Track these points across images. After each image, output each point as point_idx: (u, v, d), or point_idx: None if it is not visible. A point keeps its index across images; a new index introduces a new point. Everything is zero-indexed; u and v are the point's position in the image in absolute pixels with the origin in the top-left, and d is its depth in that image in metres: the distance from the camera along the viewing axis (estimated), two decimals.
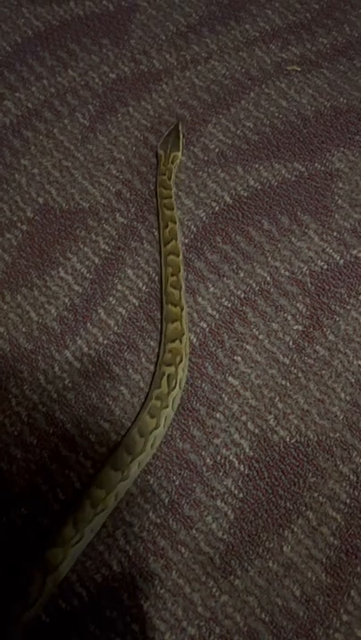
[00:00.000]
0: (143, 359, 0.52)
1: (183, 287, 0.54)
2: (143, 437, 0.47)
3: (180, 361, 0.50)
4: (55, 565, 0.43)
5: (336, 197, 0.59)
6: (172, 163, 0.59)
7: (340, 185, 0.60)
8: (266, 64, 0.67)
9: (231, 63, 0.67)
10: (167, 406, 0.48)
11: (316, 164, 0.61)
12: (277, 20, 0.70)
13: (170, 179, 0.59)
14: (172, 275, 0.54)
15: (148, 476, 0.47)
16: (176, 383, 0.49)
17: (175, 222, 0.56)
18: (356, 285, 0.55)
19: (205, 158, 0.62)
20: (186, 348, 0.51)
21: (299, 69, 0.67)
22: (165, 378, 0.49)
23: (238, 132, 0.63)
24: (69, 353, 0.52)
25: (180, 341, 0.50)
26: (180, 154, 0.60)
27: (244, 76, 0.66)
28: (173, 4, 0.71)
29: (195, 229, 0.58)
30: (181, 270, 0.54)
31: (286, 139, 0.62)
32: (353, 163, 0.61)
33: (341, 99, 0.65)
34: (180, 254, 0.55)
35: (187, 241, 0.57)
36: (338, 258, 0.56)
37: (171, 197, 0.58)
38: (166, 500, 0.47)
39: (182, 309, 0.52)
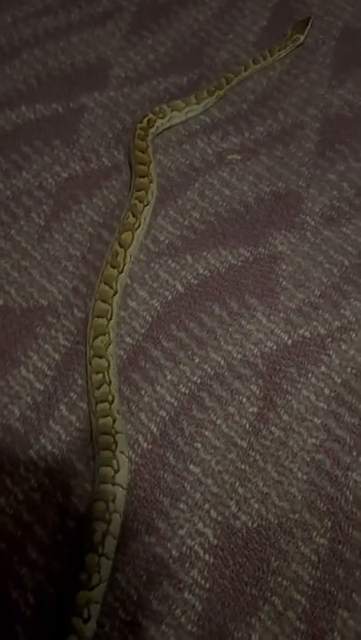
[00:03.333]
0: None
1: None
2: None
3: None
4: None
5: (281, 279, 0.63)
6: (293, 42, 0.78)
7: (284, 267, 0.63)
8: (208, 155, 0.72)
9: (176, 156, 0.72)
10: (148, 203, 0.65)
11: (260, 249, 0.65)
12: (216, 113, 0.75)
13: (280, 50, 0.77)
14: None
15: (117, 574, 0.48)
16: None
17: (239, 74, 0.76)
18: (305, 364, 0.58)
19: (156, 250, 0.65)
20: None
21: (239, 158, 0.72)
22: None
23: (186, 222, 0.67)
24: (34, 452, 0.54)
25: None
26: (302, 37, 0.78)
27: (188, 168, 0.71)
28: (119, 103, 0.76)
29: (150, 319, 0.61)
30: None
31: (231, 226, 0.66)
32: (294, 245, 0.65)
33: (280, 183, 0.69)
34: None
35: (143, 331, 0.60)
36: (286, 338, 0.59)
37: (265, 59, 0.77)
38: (135, 597, 0.48)
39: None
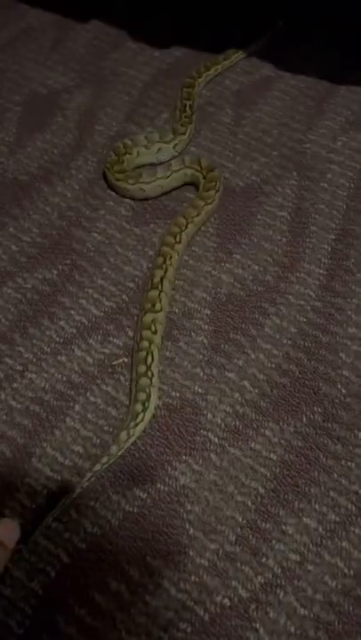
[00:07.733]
0: None
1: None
2: None
3: None
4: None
5: (187, 525, 0.52)
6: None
7: (189, 507, 0.53)
8: (88, 365, 0.62)
9: (50, 372, 0.61)
10: None
11: (159, 485, 0.54)
12: (93, 310, 0.66)
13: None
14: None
15: None
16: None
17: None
18: None
19: (34, 506, 0.53)
20: None
21: (125, 360, 0.62)
22: None
23: (67, 462, 0.56)
24: None
25: None
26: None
27: (65, 386, 0.60)
28: None
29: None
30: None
31: (120, 459, 0.55)
32: (198, 474, 0.55)
33: (173, 392, 0.60)
34: None
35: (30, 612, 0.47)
36: (202, 613, 0.47)
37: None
38: None
39: None
